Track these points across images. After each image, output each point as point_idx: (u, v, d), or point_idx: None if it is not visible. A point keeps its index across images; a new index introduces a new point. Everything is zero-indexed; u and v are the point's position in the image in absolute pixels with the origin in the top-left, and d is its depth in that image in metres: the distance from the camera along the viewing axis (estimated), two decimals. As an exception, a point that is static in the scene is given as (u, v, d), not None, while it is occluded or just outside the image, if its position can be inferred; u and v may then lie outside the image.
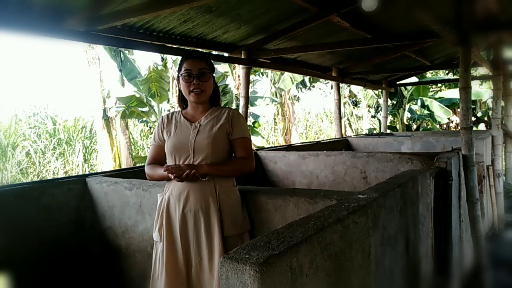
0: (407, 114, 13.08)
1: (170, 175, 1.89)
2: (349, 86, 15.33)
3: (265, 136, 15.59)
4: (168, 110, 10.88)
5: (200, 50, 4.38)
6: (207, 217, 1.95)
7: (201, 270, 1.95)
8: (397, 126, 12.73)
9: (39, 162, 11.62)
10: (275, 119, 16.16)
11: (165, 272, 1.95)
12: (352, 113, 17.26)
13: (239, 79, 10.82)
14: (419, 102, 12.63)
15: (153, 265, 2.07)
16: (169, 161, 2.05)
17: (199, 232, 1.95)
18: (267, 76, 14.57)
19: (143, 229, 2.49)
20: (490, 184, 4.83)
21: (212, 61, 2.10)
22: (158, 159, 2.12)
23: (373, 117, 16.09)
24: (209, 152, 1.96)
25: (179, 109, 2.19)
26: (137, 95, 10.28)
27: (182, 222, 1.96)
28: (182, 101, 2.14)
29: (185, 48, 3.99)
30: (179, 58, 2.30)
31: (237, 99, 11.20)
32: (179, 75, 2.03)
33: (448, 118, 13.14)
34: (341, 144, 6.16)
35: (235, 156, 2.06)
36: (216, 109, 2.10)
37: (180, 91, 2.09)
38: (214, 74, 2.09)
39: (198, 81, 1.98)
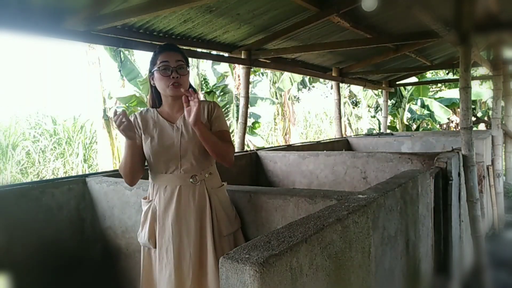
0: (407, 114, 13.08)
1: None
2: (349, 86, 15.33)
3: (265, 136, 15.59)
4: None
5: (202, 50, 4.38)
6: (201, 220, 1.92)
7: (200, 272, 1.91)
8: (397, 126, 12.73)
9: (39, 162, 11.62)
10: (275, 119, 16.16)
11: (165, 278, 1.90)
12: (352, 113, 17.25)
13: (239, 79, 10.82)
14: (419, 102, 12.64)
15: (144, 272, 2.01)
16: (151, 166, 1.95)
17: (193, 236, 1.90)
18: (266, 76, 14.58)
19: (143, 229, 2.49)
20: (490, 184, 4.83)
21: (192, 58, 2.00)
22: None
23: (373, 117, 16.09)
24: (195, 154, 1.91)
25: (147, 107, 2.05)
26: (137, 95, 10.28)
27: (175, 228, 1.89)
28: (156, 98, 1.99)
29: (185, 48, 3.99)
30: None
31: (237, 99, 11.19)
32: (154, 70, 1.89)
33: (448, 118, 13.15)
34: (341, 144, 6.16)
35: None
36: None
37: (153, 88, 1.96)
38: (193, 71, 1.99)
39: (176, 74, 1.85)
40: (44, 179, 9.70)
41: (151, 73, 1.93)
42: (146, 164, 2.02)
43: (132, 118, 1.96)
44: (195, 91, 1.95)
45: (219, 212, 1.96)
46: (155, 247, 1.96)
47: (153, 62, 1.92)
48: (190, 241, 1.89)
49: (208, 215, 1.92)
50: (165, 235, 1.91)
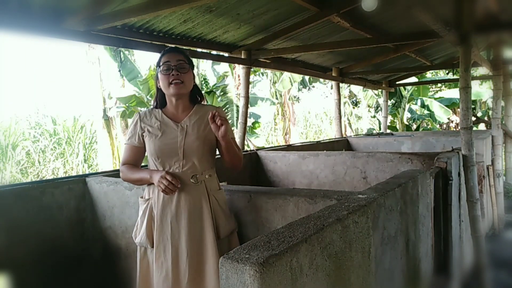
0: (407, 114, 13.08)
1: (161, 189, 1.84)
2: (349, 86, 15.33)
3: (265, 136, 15.59)
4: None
5: (202, 50, 4.38)
6: (200, 221, 1.91)
7: (196, 273, 1.90)
8: (397, 126, 12.73)
9: (39, 162, 11.62)
10: (275, 119, 16.17)
11: (161, 278, 1.88)
12: (352, 113, 17.24)
13: (239, 79, 10.81)
14: (419, 102, 12.63)
15: (140, 273, 1.99)
16: (153, 164, 1.96)
17: (192, 236, 1.89)
18: (266, 76, 14.58)
19: (143, 229, 2.48)
20: (490, 184, 4.83)
21: (193, 58, 2.04)
22: (136, 160, 2.02)
23: (373, 117, 16.09)
24: (199, 154, 1.92)
25: (151, 107, 2.08)
26: (137, 95, 10.28)
27: (174, 227, 1.89)
28: (160, 99, 2.03)
29: (185, 48, 3.98)
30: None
31: (237, 99, 11.20)
32: (158, 71, 1.95)
33: (448, 118, 13.14)
34: (341, 144, 6.16)
35: (221, 156, 2.05)
36: (199, 107, 2.03)
37: (158, 90, 2.00)
38: (194, 71, 2.00)
39: (177, 72, 1.90)
40: (44, 179, 9.70)
41: (156, 76, 1.99)
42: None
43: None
44: (202, 95, 2.05)
45: (218, 215, 1.97)
46: (152, 247, 1.94)
47: (158, 65, 1.98)
48: (188, 241, 1.89)
49: (207, 216, 1.92)
50: (163, 233, 1.91)
